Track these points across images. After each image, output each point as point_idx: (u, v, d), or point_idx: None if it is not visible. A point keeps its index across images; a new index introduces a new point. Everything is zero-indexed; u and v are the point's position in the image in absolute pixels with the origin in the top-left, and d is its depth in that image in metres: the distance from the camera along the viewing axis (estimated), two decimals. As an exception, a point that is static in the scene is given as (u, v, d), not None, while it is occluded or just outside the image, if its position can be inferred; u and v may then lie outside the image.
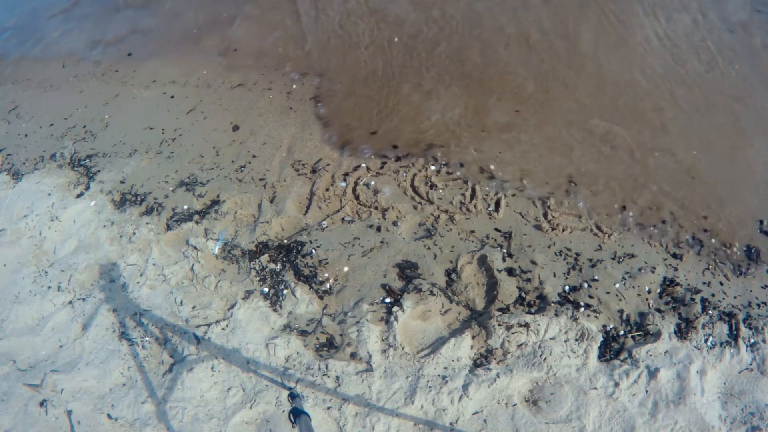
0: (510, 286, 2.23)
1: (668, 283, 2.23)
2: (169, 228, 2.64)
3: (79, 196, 2.92)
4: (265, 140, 3.06)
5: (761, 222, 2.46)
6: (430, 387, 1.94)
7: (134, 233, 2.64)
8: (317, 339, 2.16)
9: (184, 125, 3.27)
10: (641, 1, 3.64)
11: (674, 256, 2.34)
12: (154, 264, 2.49)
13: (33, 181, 3.08)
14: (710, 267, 2.30)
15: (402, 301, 2.19)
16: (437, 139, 2.94)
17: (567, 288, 2.23)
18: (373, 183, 2.71)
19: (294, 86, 3.42)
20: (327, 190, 2.71)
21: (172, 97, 3.52)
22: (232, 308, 2.26)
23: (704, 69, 3.21)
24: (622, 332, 2.09)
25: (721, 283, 2.25)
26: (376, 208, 2.60)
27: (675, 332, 2.07)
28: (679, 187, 2.62)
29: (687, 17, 3.45)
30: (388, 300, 2.23)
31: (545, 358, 1.99)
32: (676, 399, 1.88)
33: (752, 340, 2.05)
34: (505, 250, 2.37)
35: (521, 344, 2.04)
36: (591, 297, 2.19)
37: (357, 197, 2.67)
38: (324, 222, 2.56)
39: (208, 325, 2.22)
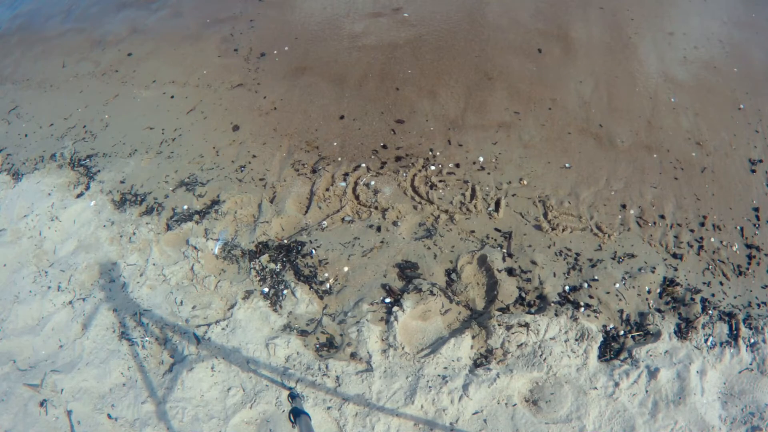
0: (510, 286, 2.23)
1: (668, 283, 2.23)
2: (169, 228, 2.64)
3: (79, 196, 2.92)
4: (265, 140, 3.06)
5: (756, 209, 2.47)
6: (430, 387, 1.94)
7: (134, 233, 2.64)
8: (317, 339, 2.16)
9: (184, 125, 3.27)
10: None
11: (674, 256, 2.34)
12: (154, 264, 2.49)
13: (33, 181, 3.08)
14: (710, 267, 2.30)
15: (402, 301, 2.19)
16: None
17: (567, 288, 2.23)
18: (373, 183, 2.71)
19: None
20: (327, 190, 2.71)
21: (172, 97, 3.52)
22: (232, 308, 2.26)
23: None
24: (622, 332, 2.09)
25: (721, 283, 2.25)
26: (376, 208, 2.60)
27: (675, 332, 2.08)
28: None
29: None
30: (388, 300, 2.23)
31: (545, 358, 1.99)
32: (676, 399, 1.88)
33: (752, 340, 2.05)
34: (505, 250, 2.37)
35: (521, 344, 2.04)
36: (591, 297, 2.19)
37: (357, 197, 2.67)
38: (324, 222, 2.56)
39: (208, 325, 2.22)
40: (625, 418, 1.86)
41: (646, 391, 1.91)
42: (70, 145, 3.31)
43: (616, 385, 1.92)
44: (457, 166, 2.77)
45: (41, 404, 2.07)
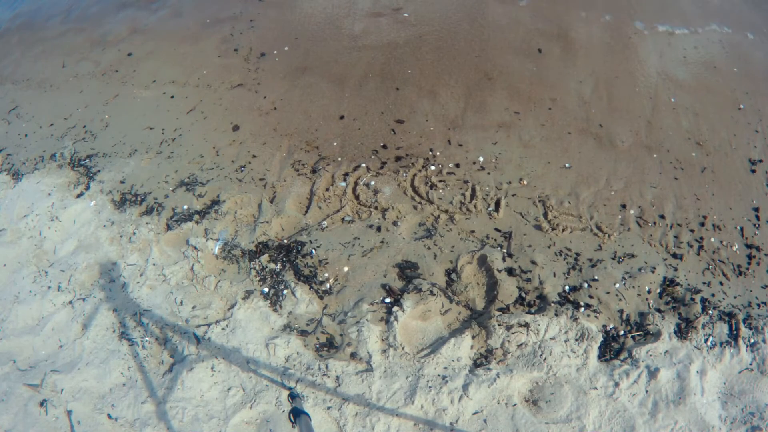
0: (510, 286, 2.23)
1: (668, 283, 2.24)
2: (169, 228, 2.64)
3: (79, 196, 2.92)
4: (265, 140, 3.06)
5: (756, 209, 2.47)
6: (430, 387, 1.94)
7: (134, 233, 2.64)
8: (317, 339, 2.16)
9: (184, 125, 3.27)
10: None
11: (674, 256, 2.34)
12: (154, 264, 2.49)
13: (33, 181, 3.08)
14: (710, 267, 2.30)
15: (402, 301, 2.19)
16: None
17: (567, 288, 2.23)
18: (373, 183, 2.71)
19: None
20: (327, 190, 2.71)
21: (172, 97, 3.52)
22: (232, 308, 2.26)
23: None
24: (622, 332, 2.09)
25: (721, 283, 2.25)
26: (376, 208, 2.60)
27: (675, 332, 2.08)
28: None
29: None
30: (388, 300, 2.23)
31: (545, 358, 1.99)
32: (676, 399, 1.89)
33: (752, 340, 2.05)
34: (505, 250, 2.37)
35: (521, 344, 2.04)
36: (591, 297, 2.19)
37: (357, 197, 2.67)
38: (324, 222, 2.56)
39: (208, 325, 2.22)
40: (625, 418, 1.86)
41: (646, 391, 1.92)
42: (70, 145, 3.31)
43: (616, 385, 1.92)
44: (457, 166, 2.77)
45: (41, 404, 2.07)
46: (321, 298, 2.29)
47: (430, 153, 2.85)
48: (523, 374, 1.97)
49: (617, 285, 2.22)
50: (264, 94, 3.38)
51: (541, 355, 2.00)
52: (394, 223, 2.52)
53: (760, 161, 2.75)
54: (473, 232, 2.46)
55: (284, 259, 2.43)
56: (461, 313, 2.19)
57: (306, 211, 2.63)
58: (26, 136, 3.53)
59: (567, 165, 2.74)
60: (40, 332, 2.32)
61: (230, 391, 2.01)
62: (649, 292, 2.21)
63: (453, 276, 2.30)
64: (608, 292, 2.20)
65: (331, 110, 3.18)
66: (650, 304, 2.18)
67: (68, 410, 2.04)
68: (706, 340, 2.05)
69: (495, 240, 2.42)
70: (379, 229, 2.51)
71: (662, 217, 2.50)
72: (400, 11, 3.85)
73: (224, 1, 4.33)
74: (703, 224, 2.47)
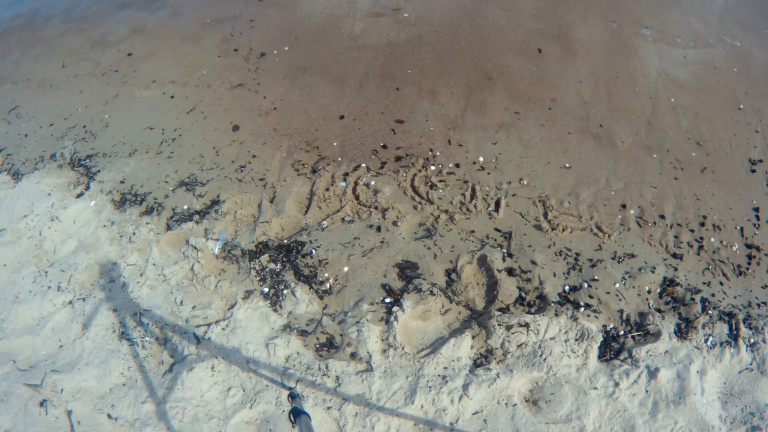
0: (510, 286, 2.23)
1: (668, 283, 2.23)
2: (169, 228, 2.64)
3: (79, 196, 2.92)
4: (265, 140, 3.06)
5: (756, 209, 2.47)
6: (430, 387, 1.94)
7: (134, 233, 2.64)
8: (317, 339, 2.16)
9: (184, 125, 3.27)
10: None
11: (674, 256, 2.34)
12: (154, 264, 2.49)
13: (33, 181, 3.08)
14: (710, 267, 2.30)
15: (402, 301, 2.19)
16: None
17: (567, 288, 2.23)
18: (373, 183, 2.71)
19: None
20: (327, 190, 2.71)
21: (172, 97, 3.52)
22: (232, 308, 2.26)
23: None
24: (622, 332, 2.09)
25: (721, 283, 2.25)
26: (376, 208, 2.60)
27: (675, 332, 2.08)
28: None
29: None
30: (388, 300, 2.23)
31: (545, 358, 1.99)
32: (676, 399, 1.89)
33: (752, 340, 2.05)
34: (505, 250, 2.36)
35: (521, 344, 2.04)
36: (591, 297, 2.19)
37: (357, 197, 2.67)
38: (324, 222, 2.56)
39: (208, 325, 2.22)
40: (625, 418, 1.86)
41: (646, 391, 1.92)
42: (70, 145, 3.31)
43: (616, 385, 1.92)
44: (457, 166, 2.77)
45: (41, 404, 2.07)
46: (321, 298, 2.29)
47: (430, 153, 2.85)
48: (523, 374, 1.97)
49: (617, 285, 2.22)
50: (264, 94, 3.38)
51: (541, 355, 2.00)
52: (394, 223, 2.52)
53: (760, 161, 2.75)
54: (473, 232, 2.46)
55: (284, 259, 2.43)
56: (461, 313, 2.19)
57: (306, 211, 2.63)
58: (26, 136, 3.53)
59: (567, 165, 2.74)
60: (40, 332, 2.32)
61: (230, 391, 2.01)
62: (649, 292, 2.21)
63: (453, 276, 2.30)
64: (608, 292, 2.20)
65: (331, 110, 3.18)
66: (650, 304, 2.18)
67: (68, 410, 2.04)
68: (706, 340, 2.05)
69: (495, 240, 2.42)
70: (379, 229, 2.51)
71: (662, 217, 2.50)
72: (400, 11, 3.85)
73: (224, 1, 4.34)
74: (703, 224, 2.47)
